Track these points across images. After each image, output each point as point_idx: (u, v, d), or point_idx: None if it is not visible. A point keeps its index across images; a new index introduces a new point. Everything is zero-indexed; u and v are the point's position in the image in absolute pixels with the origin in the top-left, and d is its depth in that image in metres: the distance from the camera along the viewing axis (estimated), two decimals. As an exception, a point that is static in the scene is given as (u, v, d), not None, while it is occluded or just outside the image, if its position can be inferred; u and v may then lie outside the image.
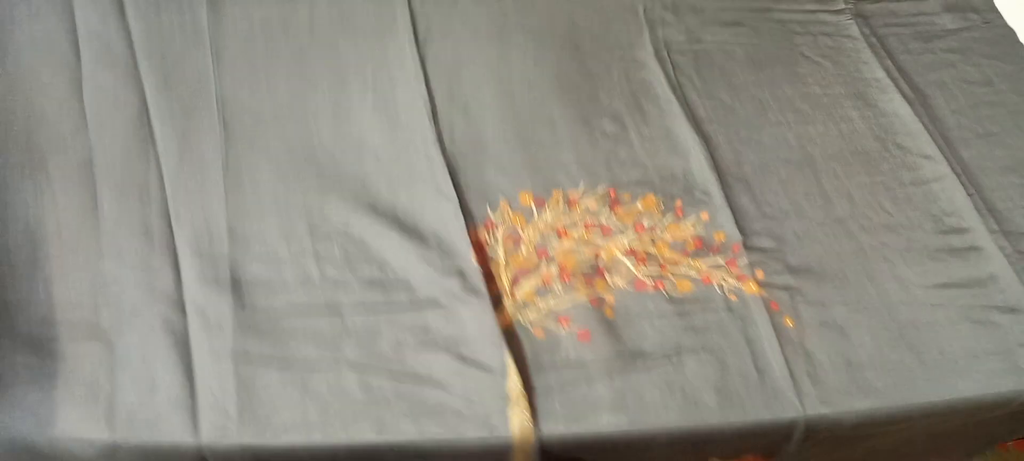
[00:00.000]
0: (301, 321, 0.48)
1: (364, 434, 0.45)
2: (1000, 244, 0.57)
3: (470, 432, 0.45)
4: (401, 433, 0.45)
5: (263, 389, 0.46)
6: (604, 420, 0.47)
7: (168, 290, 0.48)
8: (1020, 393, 0.51)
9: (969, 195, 0.60)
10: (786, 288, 0.53)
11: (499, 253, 0.53)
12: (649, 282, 0.53)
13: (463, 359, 0.48)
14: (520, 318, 0.51)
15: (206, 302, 0.48)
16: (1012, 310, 0.54)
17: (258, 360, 0.47)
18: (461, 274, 0.51)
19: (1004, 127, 0.65)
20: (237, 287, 0.49)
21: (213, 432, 0.44)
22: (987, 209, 0.59)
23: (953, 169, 0.61)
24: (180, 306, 0.47)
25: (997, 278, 0.56)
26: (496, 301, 0.51)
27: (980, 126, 0.65)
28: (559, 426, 0.46)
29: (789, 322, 0.52)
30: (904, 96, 0.65)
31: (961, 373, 0.51)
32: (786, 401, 0.48)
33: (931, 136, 0.63)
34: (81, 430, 0.43)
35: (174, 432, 0.44)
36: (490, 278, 0.52)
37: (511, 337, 0.49)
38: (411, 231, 0.52)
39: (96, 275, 0.48)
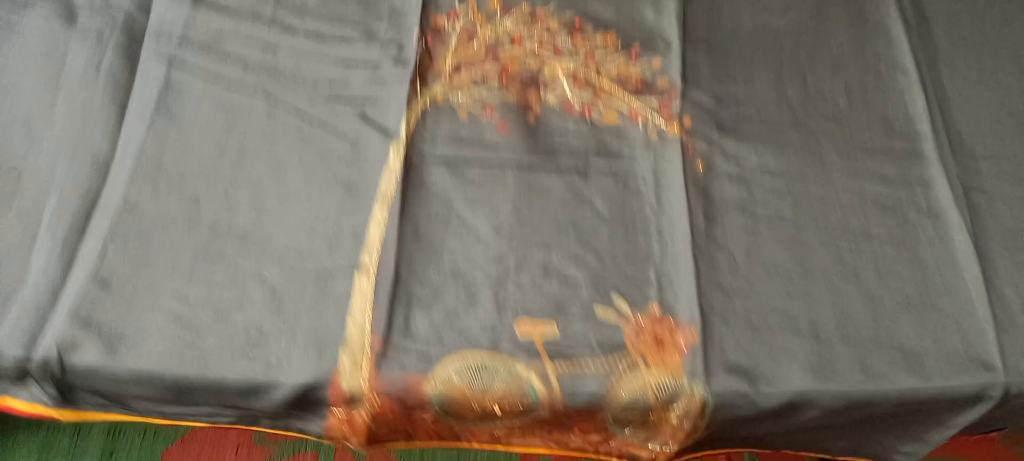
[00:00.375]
0: (239, 47, 0.54)
1: (257, 154, 0.51)
2: (945, 159, 0.56)
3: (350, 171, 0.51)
4: (286, 162, 0.51)
5: (185, 93, 0.52)
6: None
7: None
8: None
9: (929, 108, 0.59)
10: (707, 139, 0.55)
11: (452, 41, 0.57)
12: (578, 106, 0.56)
13: (366, 119, 0.53)
14: (450, 98, 0.55)
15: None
16: (932, 216, 0.55)
17: (190, 69, 0.53)
18: (399, 47, 0.56)
19: (1003, 69, 0.62)
20: (197, 3, 0.55)
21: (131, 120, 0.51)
22: (945, 126, 0.58)
23: (925, 91, 0.60)
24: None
25: (928, 182, 0.56)
26: (425, 79, 0.55)
27: (977, 63, 0.62)
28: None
29: (700, 166, 0.54)
30: (903, 15, 0.64)
31: (851, 251, 0.52)
32: (679, 225, 0.51)
33: (914, 54, 0.62)
34: None
35: None
36: (434, 58, 0.56)
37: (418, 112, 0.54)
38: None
39: None
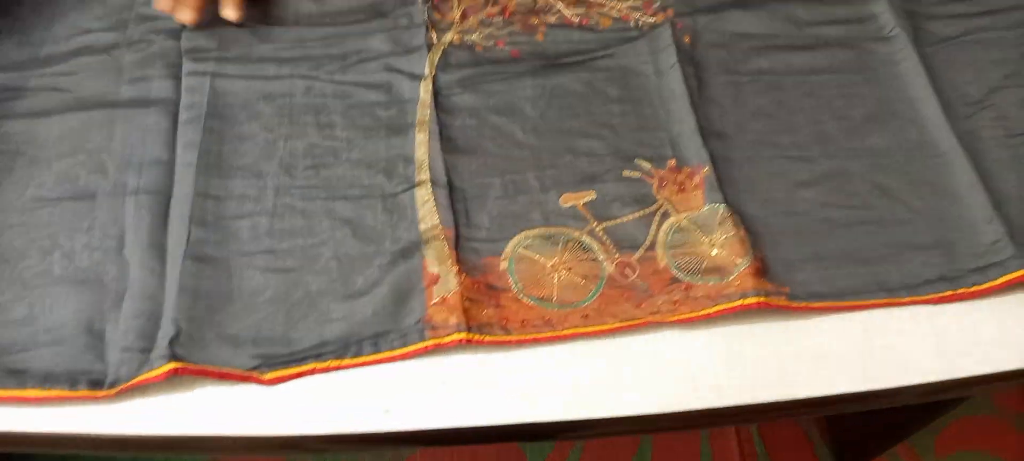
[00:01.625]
0: (269, 51, 0.62)
1: (305, 121, 0.59)
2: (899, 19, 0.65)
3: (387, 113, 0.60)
4: (332, 121, 0.59)
5: (229, 93, 0.60)
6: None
7: None
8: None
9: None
10: (691, 17, 0.66)
11: None
12: (576, 19, 0.66)
13: (392, 69, 0.62)
14: (465, 38, 0.64)
15: None
16: (883, 40, 0.64)
17: (229, 75, 0.61)
18: (409, 15, 0.65)
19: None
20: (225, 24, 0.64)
21: (185, 128, 0.58)
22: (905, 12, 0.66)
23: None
24: None
25: (876, 16, 0.66)
26: (442, 29, 0.65)
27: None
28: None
29: (687, 39, 0.64)
30: None
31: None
32: (678, 92, 0.61)
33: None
34: None
35: None
36: (443, 12, 0.66)
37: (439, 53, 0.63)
38: None
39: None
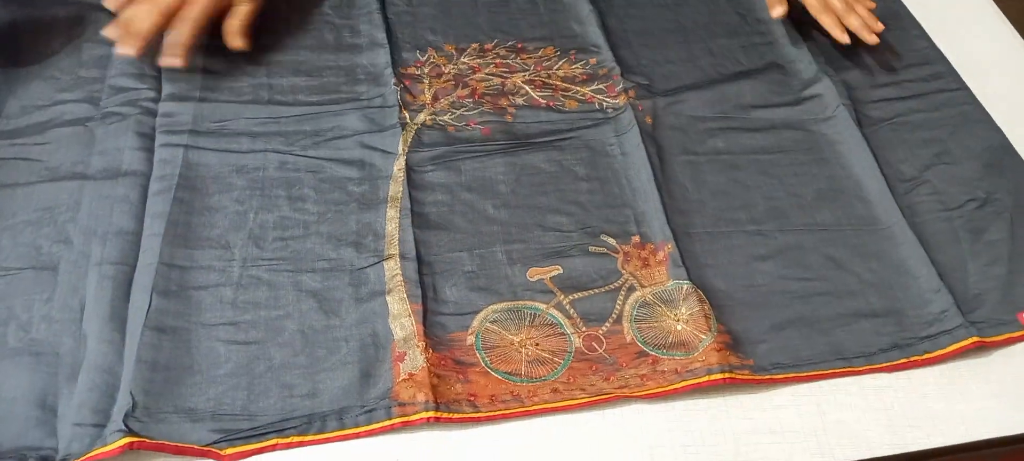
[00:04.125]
0: (244, 125, 0.64)
1: (277, 195, 0.60)
2: (829, 72, 0.72)
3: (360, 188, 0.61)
4: (304, 195, 0.60)
5: (202, 166, 0.61)
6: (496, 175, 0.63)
7: None
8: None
9: (808, 47, 0.74)
10: (651, 101, 0.69)
11: (424, 79, 0.70)
12: (543, 101, 0.69)
13: (367, 146, 0.64)
14: (437, 119, 0.66)
15: None
16: (826, 120, 0.69)
17: (202, 149, 0.62)
18: (382, 96, 0.67)
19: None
20: (202, 101, 0.65)
21: (154, 199, 0.58)
22: (825, 57, 0.74)
23: (801, 33, 0.75)
24: None
25: (820, 96, 0.71)
26: (414, 110, 0.67)
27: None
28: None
29: (649, 120, 0.68)
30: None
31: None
32: (642, 168, 0.64)
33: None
34: None
35: None
36: (415, 94, 0.68)
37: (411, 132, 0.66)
38: (348, 70, 0.69)
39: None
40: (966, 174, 0.66)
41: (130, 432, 0.45)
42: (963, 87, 0.73)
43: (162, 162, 0.60)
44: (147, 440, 0.45)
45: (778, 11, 0.72)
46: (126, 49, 0.62)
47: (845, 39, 0.70)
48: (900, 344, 0.55)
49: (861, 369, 0.53)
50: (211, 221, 0.58)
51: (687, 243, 0.59)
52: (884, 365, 0.54)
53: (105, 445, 0.45)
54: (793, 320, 0.56)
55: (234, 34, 0.66)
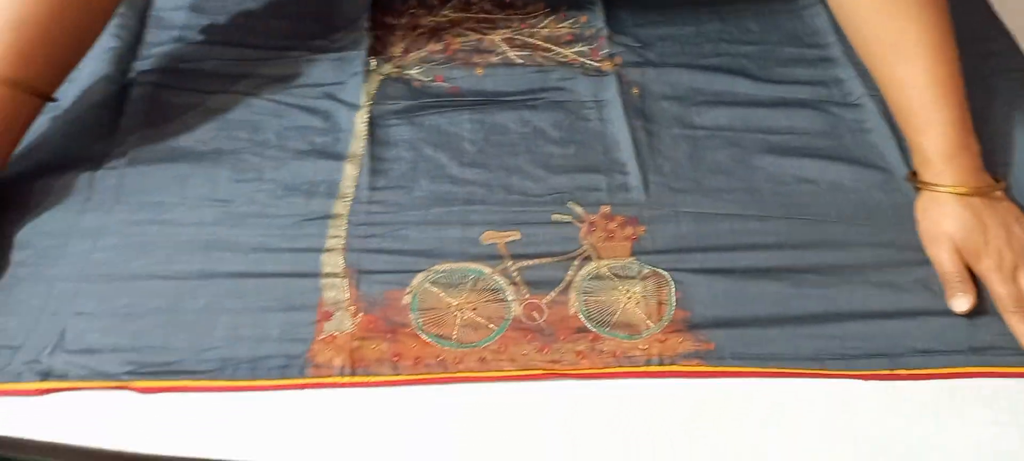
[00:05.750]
0: (216, 66, 0.62)
1: (239, 129, 0.58)
2: (853, 60, 0.63)
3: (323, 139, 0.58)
4: (266, 138, 0.58)
5: (171, 101, 0.59)
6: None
7: None
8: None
9: (832, 21, 0.66)
10: (640, 71, 0.63)
11: (397, 31, 0.66)
12: (520, 61, 0.64)
13: (332, 97, 0.61)
14: (404, 72, 0.63)
15: None
16: (850, 107, 0.61)
17: (175, 85, 0.61)
18: (354, 41, 0.65)
19: None
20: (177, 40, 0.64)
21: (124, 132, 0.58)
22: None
23: (827, 9, 0.67)
24: None
25: (841, 80, 0.63)
26: (383, 60, 0.64)
27: None
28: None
29: (636, 92, 0.62)
30: None
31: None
32: (623, 140, 0.58)
33: None
34: None
35: None
36: (386, 46, 0.65)
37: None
38: (326, 17, 0.67)
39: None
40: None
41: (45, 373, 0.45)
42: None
43: (133, 97, 0.60)
44: (61, 383, 0.44)
45: (962, 304, 0.50)
46: None
47: None
48: (889, 353, 0.47)
49: (833, 373, 0.47)
50: (176, 144, 0.57)
51: (671, 223, 0.53)
52: (862, 372, 0.46)
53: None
54: (777, 317, 0.49)
55: None
